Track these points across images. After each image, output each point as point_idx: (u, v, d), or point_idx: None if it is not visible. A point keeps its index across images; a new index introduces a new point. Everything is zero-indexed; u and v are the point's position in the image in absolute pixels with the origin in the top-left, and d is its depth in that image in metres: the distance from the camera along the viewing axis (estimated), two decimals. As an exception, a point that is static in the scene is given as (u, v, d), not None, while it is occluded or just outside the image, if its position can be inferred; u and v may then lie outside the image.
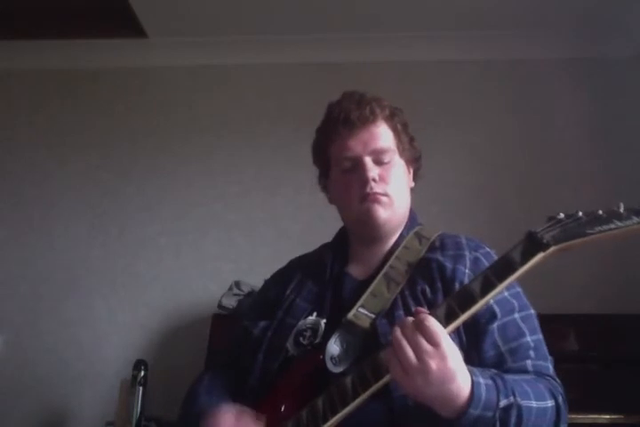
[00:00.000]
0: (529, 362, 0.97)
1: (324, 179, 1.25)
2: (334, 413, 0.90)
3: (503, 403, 0.83)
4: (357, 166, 1.13)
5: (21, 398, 2.58)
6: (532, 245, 0.81)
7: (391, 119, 1.18)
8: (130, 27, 2.84)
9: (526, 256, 0.81)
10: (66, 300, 2.71)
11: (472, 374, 0.83)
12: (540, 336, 1.02)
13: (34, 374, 2.61)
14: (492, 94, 2.84)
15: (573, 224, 0.81)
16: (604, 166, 2.66)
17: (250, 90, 2.96)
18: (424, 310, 0.85)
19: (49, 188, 2.88)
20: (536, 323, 1.03)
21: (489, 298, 0.83)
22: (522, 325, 1.00)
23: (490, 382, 0.85)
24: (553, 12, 2.68)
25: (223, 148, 2.87)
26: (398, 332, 0.82)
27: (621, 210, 0.80)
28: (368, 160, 1.12)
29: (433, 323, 0.81)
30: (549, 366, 1.00)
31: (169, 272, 2.73)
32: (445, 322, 0.83)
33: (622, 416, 1.94)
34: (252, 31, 2.88)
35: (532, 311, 1.04)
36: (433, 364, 0.79)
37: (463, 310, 0.83)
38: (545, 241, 0.80)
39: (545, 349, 1.01)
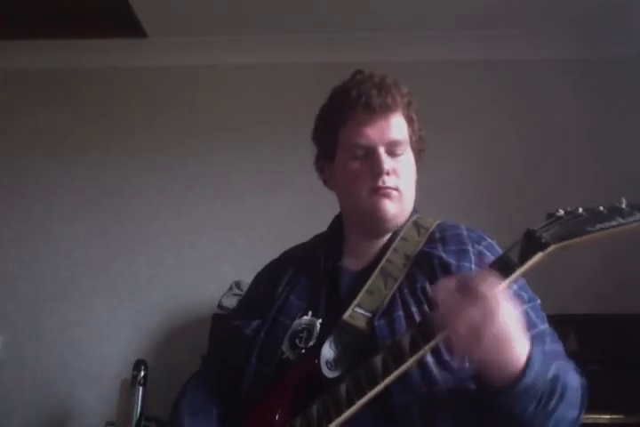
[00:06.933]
0: (547, 347, 0.95)
1: (324, 159, 1.16)
2: (329, 421, 0.88)
3: (551, 374, 0.82)
4: (370, 156, 1.06)
5: (21, 398, 2.58)
6: (531, 244, 0.78)
7: (408, 109, 1.11)
8: (130, 27, 2.84)
9: (524, 256, 0.79)
10: (66, 300, 2.71)
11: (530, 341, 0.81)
12: (548, 324, 1.00)
13: (34, 374, 2.61)
14: (491, 94, 2.83)
15: (573, 221, 0.78)
16: (604, 166, 2.65)
17: (250, 90, 2.96)
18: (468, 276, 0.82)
19: (49, 187, 2.88)
20: (543, 312, 1.01)
21: None
22: (532, 315, 0.98)
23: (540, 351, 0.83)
24: (553, 12, 2.68)
25: (223, 148, 2.87)
26: (448, 309, 0.79)
27: (623, 206, 0.77)
28: (382, 151, 1.05)
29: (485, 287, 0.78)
30: (563, 351, 0.99)
31: (169, 272, 2.73)
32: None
33: (622, 416, 1.95)
34: (252, 31, 2.88)
35: (539, 301, 1.02)
36: (489, 334, 0.76)
37: None
38: (544, 240, 0.77)
39: (556, 334, 1.00)
